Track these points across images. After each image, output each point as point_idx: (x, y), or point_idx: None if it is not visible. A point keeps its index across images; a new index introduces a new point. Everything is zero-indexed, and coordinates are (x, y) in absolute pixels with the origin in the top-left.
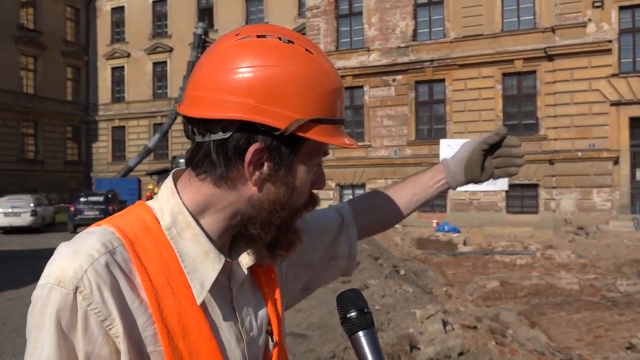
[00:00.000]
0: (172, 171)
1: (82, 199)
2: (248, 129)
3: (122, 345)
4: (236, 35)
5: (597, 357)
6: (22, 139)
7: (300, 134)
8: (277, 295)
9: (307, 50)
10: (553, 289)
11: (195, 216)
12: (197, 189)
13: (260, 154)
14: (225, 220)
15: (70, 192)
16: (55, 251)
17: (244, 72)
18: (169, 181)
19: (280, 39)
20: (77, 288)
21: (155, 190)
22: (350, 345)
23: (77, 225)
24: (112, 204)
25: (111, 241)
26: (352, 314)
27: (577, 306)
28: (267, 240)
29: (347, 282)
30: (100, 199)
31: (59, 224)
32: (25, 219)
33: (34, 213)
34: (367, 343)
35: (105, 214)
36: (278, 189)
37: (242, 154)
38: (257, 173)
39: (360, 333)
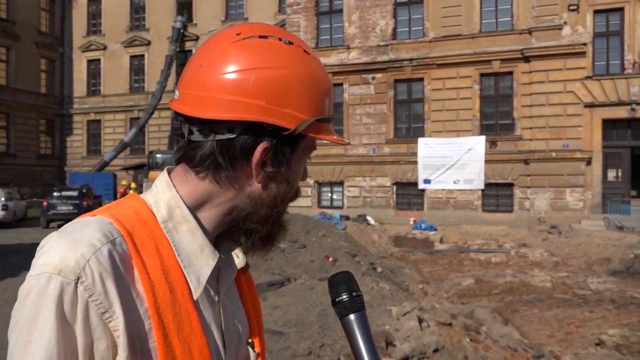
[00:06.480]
0: (166, 167)
1: (55, 194)
2: (255, 129)
3: (121, 339)
4: (237, 34)
5: (567, 353)
6: None
7: (305, 133)
8: (258, 305)
9: (305, 51)
10: (526, 287)
11: (192, 210)
12: (195, 185)
13: (265, 153)
14: (221, 216)
15: (43, 186)
16: (46, 241)
17: (252, 73)
18: (164, 175)
19: (280, 39)
20: (78, 278)
21: (132, 185)
22: (326, 342)
23: (50, 220)
24: (86, 199)
25: (111, 231)
26: (343, 296)
27: (550, 303)
28: (264, 233)
29: (324, 278)
30: (74, 193)
31: (31, 218)
32: None
33: (5, 207)
34: (357, 326)
35: (80, 209)
36: (279, 185)
37: (248, 154)
38: (262, 171)
39: (352, 316)
